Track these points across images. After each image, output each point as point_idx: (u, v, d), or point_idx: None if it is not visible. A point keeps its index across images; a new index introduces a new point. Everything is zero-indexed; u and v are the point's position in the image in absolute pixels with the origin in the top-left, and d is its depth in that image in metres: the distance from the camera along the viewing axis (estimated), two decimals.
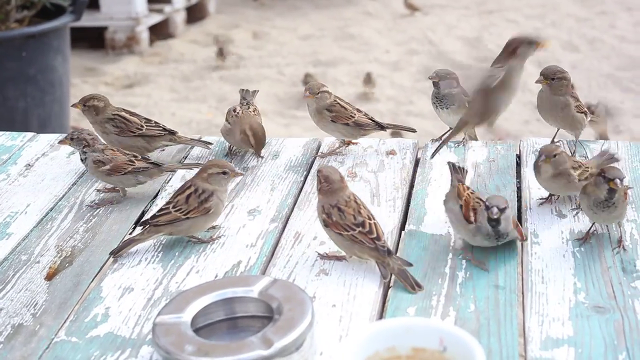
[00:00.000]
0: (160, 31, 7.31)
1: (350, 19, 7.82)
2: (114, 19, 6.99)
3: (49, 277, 1.88)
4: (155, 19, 7.23)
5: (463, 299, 1.71)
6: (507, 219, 1.83)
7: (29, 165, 2.43)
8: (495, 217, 1.80)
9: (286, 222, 2.06)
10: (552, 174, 2.02)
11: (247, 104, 2.49)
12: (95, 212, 2.15)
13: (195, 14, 7.82)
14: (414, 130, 2.51)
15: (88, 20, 5.88)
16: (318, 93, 2.40)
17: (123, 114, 2.42)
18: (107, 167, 2.19)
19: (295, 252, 1.92)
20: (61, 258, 1.96)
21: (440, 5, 8.15)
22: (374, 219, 1.85)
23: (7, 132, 2.66)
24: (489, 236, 1.83)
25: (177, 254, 1.94)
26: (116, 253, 1.94)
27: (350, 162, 2.35)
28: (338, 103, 2.40)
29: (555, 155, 2.00)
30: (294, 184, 2.24)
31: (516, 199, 2.11)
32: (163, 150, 2.49)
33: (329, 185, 1.87)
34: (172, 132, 2.45)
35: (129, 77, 6.52)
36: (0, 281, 1.87)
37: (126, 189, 2.22)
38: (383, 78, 6.30)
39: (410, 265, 1.80)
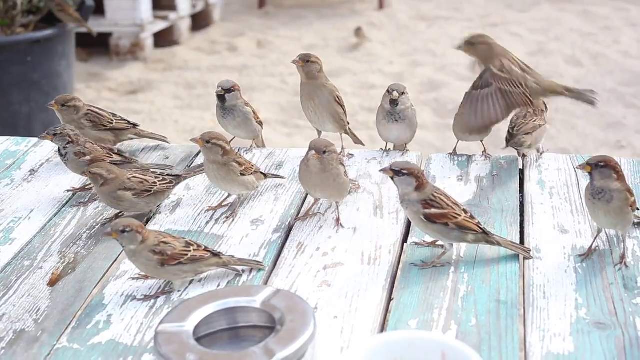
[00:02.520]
0: (164, 38, 7.32)
1: (354, 30, 7.83)
2: (119, 25, 7.00)
3: (52, 283, 1.89)
4: (160, 26, 7.24)
5: (465, 313, 1.71)
6: None
7: (33, 170, 2.44)
8: None
9: (289, 233, 2.06)
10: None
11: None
12: (99, 219, 2.16)
13: (200, 22, 7.84)
14: (282, 177, 2.33)
15: (93, 26, 5.86)
16: (209, 142, 2.13)
17: (94, 109, 2.53)
18: (88, 157, 2.27)
19: (297, 263, 1.92)
20: (64, 264, 1.96)
21: (444, 17, 8.17)
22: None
23: (12, 137, 2.66)
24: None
25: None
26: None
27: (353, 174, 2.35)
28: (242, 156, 2.21)
29: None
30: (298, 194, 2.24)
31: (519, 214, 2.11)
32: (167, 158, 2.50)
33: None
34: (135, 126, 2.58)
35: (132, 84, 6.53)
36: (3, 286, 1.88)
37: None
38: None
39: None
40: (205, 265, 1.86)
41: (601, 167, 1.89)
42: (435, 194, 1.90)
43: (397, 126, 2.47)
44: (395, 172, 1.89)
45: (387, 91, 2.45)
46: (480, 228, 1.91)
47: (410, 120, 2.48)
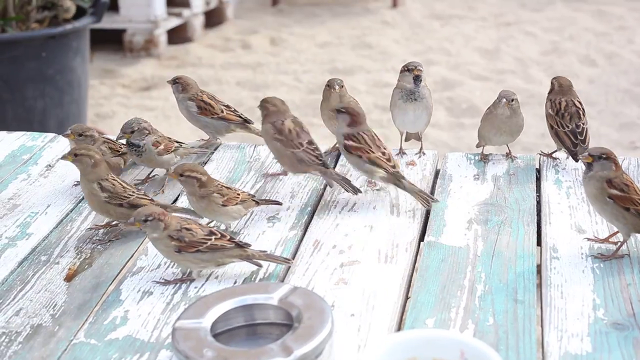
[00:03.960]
0: (178, 35, 7.33)
1: (368, 28, 7.83)
2: (133, 21, 7.01)
3: (69, 278, 1.89)
4: (174, 22, 7.25)
5: (482, 312, 1.71)
6: None
7: (50, 165, 2.44)
8: None
9: (305, 230, 2.06)
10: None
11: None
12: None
13: (213, 19, 7.85)
14: (280, 203, 2.17)
15: (107, 22, 5.93)
16: (182, 175, 2.05)
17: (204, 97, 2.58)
18: (162, 146, 2.31)
19: (314, 260, 1.92)
20: (81, 260, 1.96)
21: (458, 16, 8.16)
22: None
23: (28, 132, 2.67)
24: None
25: None
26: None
27: None
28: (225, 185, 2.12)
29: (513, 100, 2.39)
30: (314, 192, 2.24)
31: (536, 213, 2.11)
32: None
33: (273, 108, 2.28)
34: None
35: (146, 80, 6.54)
36: (20, 281, 1.88)
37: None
38: None
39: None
40: (227, 256, 1.86)
41: (604, 159, 1.93)
42: (363, 133, 2.20)
43: (414, 106, 2.44)
44: (338, 111, 2.22)
45: (408, 69, 2.43)
46: (392, 169, 2.13)
47: (427, 100, 2.44)
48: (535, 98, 5.98)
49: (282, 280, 1.85)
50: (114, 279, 1.89)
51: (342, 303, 1.76)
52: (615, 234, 1.98)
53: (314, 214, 2.14)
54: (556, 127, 2.36)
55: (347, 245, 1.97)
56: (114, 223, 2.10)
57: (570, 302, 1.74)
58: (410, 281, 1.85)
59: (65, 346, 1.66)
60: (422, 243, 2.00)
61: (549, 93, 2.44)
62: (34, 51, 4.82)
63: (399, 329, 1.69)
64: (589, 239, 1.98)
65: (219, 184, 2.05)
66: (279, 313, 1.61)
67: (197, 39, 7.48)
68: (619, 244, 1.93)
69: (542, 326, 1.68)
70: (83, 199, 2.24)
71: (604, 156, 1.92)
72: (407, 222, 2.07)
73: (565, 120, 2.35)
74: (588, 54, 6.95)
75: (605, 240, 1.97)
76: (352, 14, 8.32)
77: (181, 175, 2.02)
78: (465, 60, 6.84)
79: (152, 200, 2.12)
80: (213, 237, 1.85)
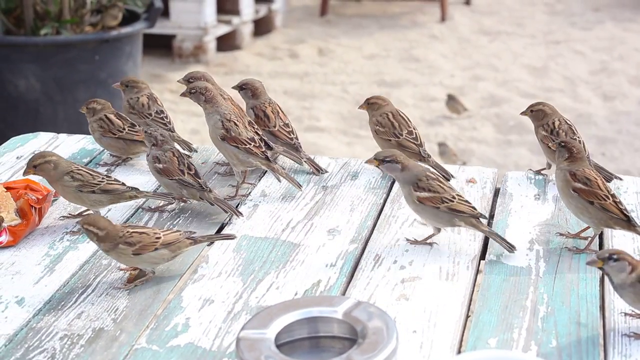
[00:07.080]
0: (226, 42, 7.36)
1: (415, 41, 7.82)
2: (183, 27, 7.05)
3: (130, 283, 1.90)
4: (223, 29, 7.28)
5: (545, 334, 1.70)
6: None
7: (110, 170, 2.45)
8: None
9: (366, 244, 2.06)
10: None
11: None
12: (176, 221, 2.17)
13: (262, 27, 7.87)
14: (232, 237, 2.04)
15: (157, 27, 5.94)
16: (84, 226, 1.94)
17: (110, 115, 2.51)
18: (160, 166, 2.20)
19: (375, 275, 1.91)
20: None
21: (506, 32, 8.12)
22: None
23: (88, 136, 2.68)
24: None
25: (256, 268, 1.95)
26: None
27: None
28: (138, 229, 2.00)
29: None
30: (374, 206, 2.24)
31: (598, 237, 2.09)
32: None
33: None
34: None
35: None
36: (81, 284, 1.90)
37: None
38: None
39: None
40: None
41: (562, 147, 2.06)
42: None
43: None
44: (380, 161, 2.04)
45: None
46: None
47: None
48: (583, 117, 5.94)
49: (344, 294, 1.85)
50: (175, 285, 1.90)
51: (403, 319, 1.75)
52: (585, 229, 2.06)
53: (374, 228, 2.13)
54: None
55: (407, 261, 1.97)
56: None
57: (633, 326, 1.72)
58: (471, 299, 1.84)
59: (127, 351, 1.67)
60: (482, 261, 1.99)
61: (537, 120, 2.42)
62: (87, 54, 4.87)
63: (461, 347, 1.68)
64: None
65: (127, 232, 1.89)
66: (343, 327, 1.60)
67: (246, 46, 7.51)
68: (590, 238, 2.02)
69: (604, 350, 1.66)
70: (143, 204, 2.25)
71: (563, 144, 2.06)
72: (468, 240, 2.06)
73: (561, 137, 2.33)
74: (638, 75, 6.89)
75: (577, 235, 2.06)
76: (399, 27, 8.31)
77: (83, 225, 1.90)
78: (513, 77, 6.81)
79: (122, 184, 2.17)
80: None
